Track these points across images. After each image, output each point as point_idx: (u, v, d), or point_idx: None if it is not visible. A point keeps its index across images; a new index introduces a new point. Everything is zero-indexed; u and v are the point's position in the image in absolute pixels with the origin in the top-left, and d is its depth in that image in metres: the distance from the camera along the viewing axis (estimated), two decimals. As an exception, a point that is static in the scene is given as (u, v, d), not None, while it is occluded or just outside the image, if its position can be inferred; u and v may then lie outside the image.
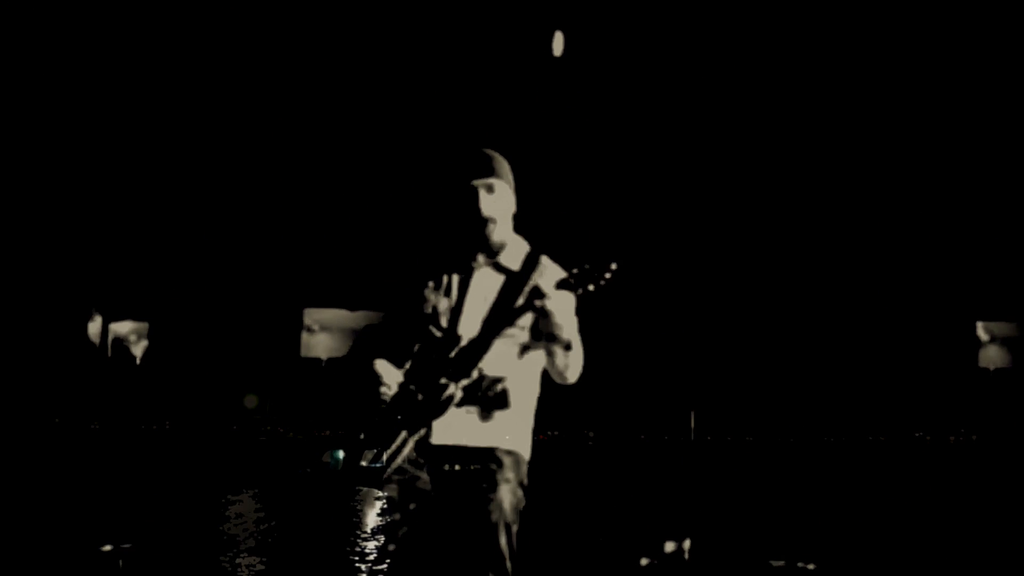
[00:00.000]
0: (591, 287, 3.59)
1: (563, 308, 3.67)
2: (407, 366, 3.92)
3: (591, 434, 13.28)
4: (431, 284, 4.01)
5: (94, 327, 15.28)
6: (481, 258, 3.98)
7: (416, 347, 3.95)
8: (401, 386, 3.84)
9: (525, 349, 3.88)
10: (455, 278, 3.99)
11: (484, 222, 3.90)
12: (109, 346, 15.48)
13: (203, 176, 14.43)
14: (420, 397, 3.77)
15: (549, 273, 3.84)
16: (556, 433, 13.53)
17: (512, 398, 3.87)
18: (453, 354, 3.79)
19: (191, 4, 12.31)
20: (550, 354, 3.81)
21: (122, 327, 15.93)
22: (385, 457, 3.71)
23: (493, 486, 3.76)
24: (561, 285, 3.61)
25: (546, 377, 4.02)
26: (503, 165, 3.97)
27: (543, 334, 3.74)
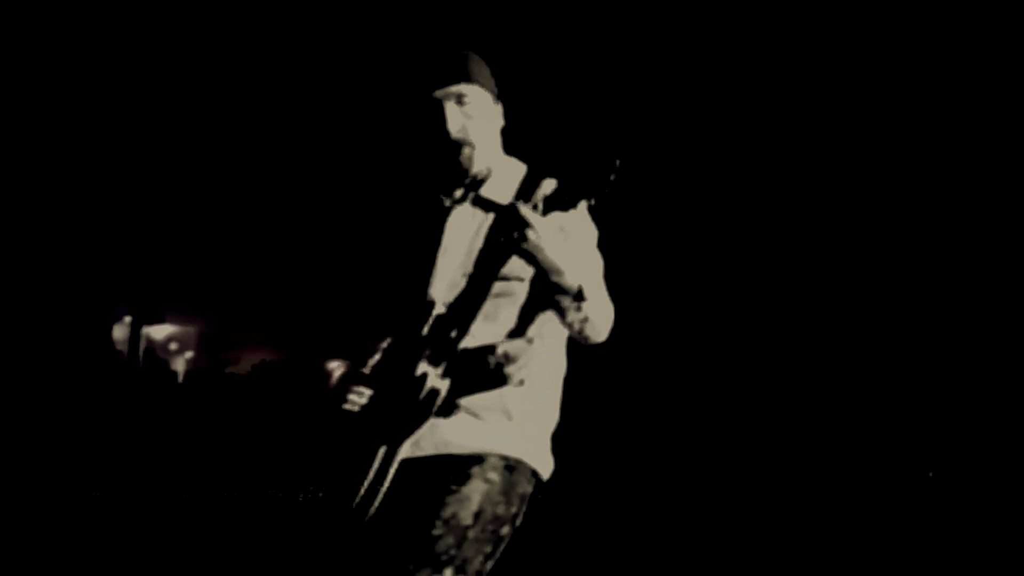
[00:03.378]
0: (591, 198, 2.44)
1: (561, 239, 2.55)
2: (374, 357, 2.88)
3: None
4: (389, 243, 2.97)
5: (121, 332, 12.50)
6: (457, 192, 2.85)
7: (381, 328, 2.95)
8: (370, 385, 2.81)
9: (529, 311, 2.74)
10: (424, 224, 2.90)
11: (456, 146, 2.77)
12: (141, 356, 12.53)
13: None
14: (395, 397, 2.67)
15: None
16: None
17: (517, 381, 2.74)
18: (427, 330, 2.69)
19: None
20: (558, 309, 2.63)
21: (159, 332, 12.96)
22: (365, 487, 2.64)
23: (463, 480, 2.64)
24: (552, 203, 2.48)
25: (573, 345, 2.88)
26: (478, 66, 2.86)
27: (546, 284, 2.59)
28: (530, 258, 2.50)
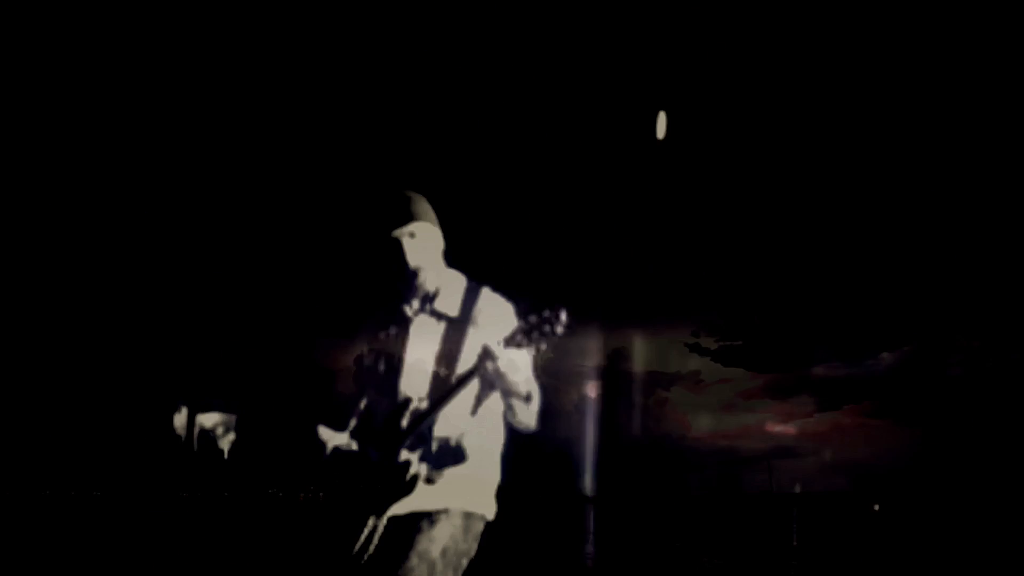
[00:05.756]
0: (543, 344, 3.22)
1: (517, 361, 3.34)
2: (349, 436, 3.74)
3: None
4: (365, 349, 3.83)
5: (179, 419, 14.20)
6: (415, 303, 3.75)
7: (359, 416, 3.79)
8: (354, 462, 3.61)
9: (479, 401, 3.66)
10: (392, 333, 3.77)
11: (414, 274, 3.67)
12: (195, 440, 14.09)
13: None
14: (381, 478, 3.48)
15: (494, 312, 3.66)
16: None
17: (471, 453, 3.63)
18: (405, 422, 3.51)
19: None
20: (508, 406, 3.54)
21: (209, 419, 14.91)
22: (357, 548, 3.43)
23: (432, 524, 3.51)
24: (510, 344, 3.26)
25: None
26: (421, 204, 3.73)
27: (499, 389, 3.47)
28: (499, 378, 3.32)
